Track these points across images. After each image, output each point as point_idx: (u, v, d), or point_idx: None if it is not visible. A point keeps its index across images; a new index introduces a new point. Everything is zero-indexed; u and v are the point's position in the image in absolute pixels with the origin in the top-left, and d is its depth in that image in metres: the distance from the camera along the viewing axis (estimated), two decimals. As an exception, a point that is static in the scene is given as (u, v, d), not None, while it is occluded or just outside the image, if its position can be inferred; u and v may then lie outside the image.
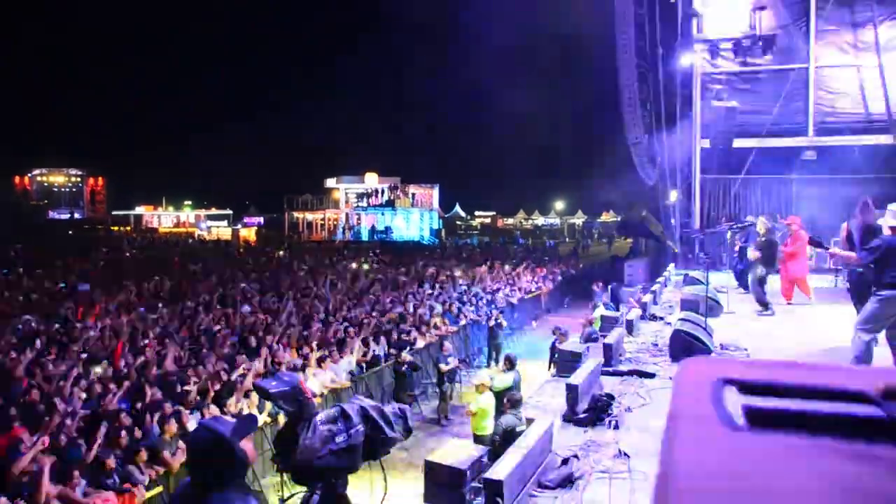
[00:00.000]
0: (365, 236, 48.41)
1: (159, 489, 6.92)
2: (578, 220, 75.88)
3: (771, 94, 16.41)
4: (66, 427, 6.75)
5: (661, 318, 10.13)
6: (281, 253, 31.01)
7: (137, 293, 15.87)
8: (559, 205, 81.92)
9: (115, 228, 65.52)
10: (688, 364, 0.97)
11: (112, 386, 8.16)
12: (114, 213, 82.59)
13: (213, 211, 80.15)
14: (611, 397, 5.99)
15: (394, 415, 3.37)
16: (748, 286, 10.58)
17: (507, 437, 6.52)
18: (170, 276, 19.48)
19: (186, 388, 8.52)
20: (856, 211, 6.72)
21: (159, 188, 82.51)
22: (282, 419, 6.43)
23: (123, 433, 6.97)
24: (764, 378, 0.89)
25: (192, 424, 7.43)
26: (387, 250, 34.32)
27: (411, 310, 15.50)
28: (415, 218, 50.78)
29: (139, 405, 7.80)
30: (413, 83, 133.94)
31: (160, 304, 14.30)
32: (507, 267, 24.96)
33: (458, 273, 22.56)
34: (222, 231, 63.26)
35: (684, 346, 7.02)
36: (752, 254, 10.05)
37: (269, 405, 8.35)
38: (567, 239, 58.99)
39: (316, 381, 9.85)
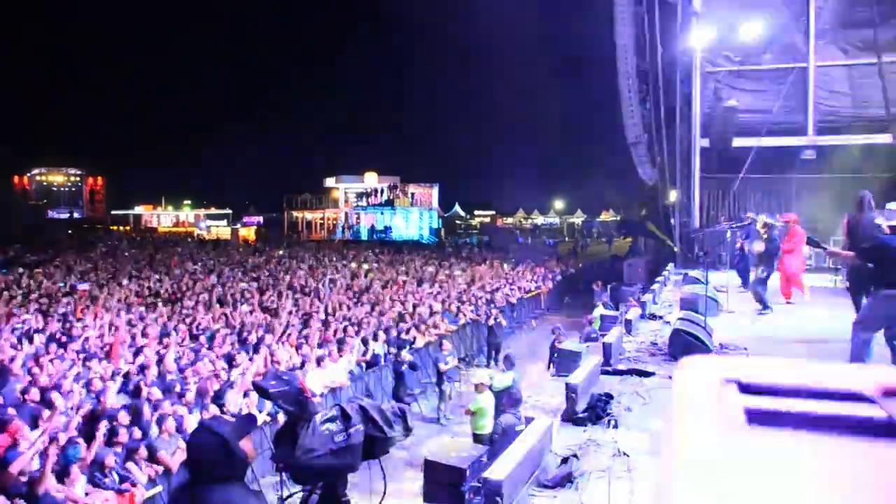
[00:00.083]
0: (364, 236, 48.44)
1: (159, 489, 6.92)
2: (578, 219, 75.89)
3: (771, 93, 16.42)
4: (65, 426, 6.75)
5: (661, 318, 10.13)
6: (280, 252, 31.01)
7: (137, 292, 15.87)
8: (559, 204, 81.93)
9: (115, 228, 65.52)
10: (687, 363, 0.97)
11: (111, 385, 8.16)
12: (113, 212, 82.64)
13: (213, 210, 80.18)
14: (610, 397, 5.99)
15: (393, 414, 3.37)
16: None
17: (506, 437, 6.52)
18: (169, 275, 19.50)
19: (186, 387, 8.52)
20: (856, 207, 6.73)
21: (159, 188, 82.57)
22: (281, 418, 6.42)
23: (123, 431, 6.97)
24: (763, 377, 0.89)
25: (191, 424, 7.43)
26: (386, 250, 34.33)
27: (411, 309, 15.51)
28: (414, 217, 50.82)
29: (138, 404, 7.79)
30: (413, 83, 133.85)
31: (160, 303, 14.31)
32: (506, 266, 24.97)
33: (457, 272, 22.57)
34: (222, 230, 63.29)
35: (684, 345, 7.02)
36: (758, 245, 10.03)
37: (268, 404, 8.35)
38: (566, 238, 59.01)
39: (315, 381, 9.84)
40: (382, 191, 51.54)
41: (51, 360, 8.87)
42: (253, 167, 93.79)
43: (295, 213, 55.88)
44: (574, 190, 77.10)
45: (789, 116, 16.48)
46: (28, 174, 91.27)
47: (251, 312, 13.71)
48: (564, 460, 4.70)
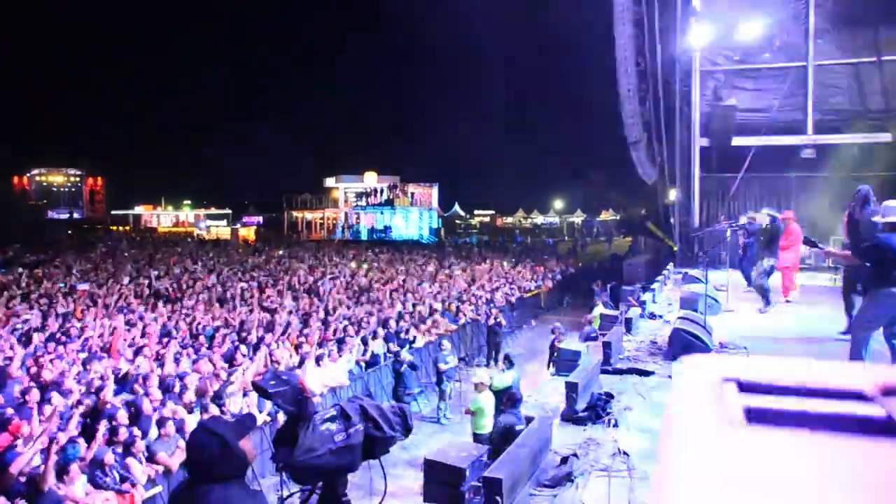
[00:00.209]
0: (364, 235, 48.45)
1: (159, 489, 6.92)
2: (577, 218, 75.91)
3: (770, 92, 16.42)
4: (64, 425, 6.75)
5: (661, 317, 10.14)
6: (280, 252, 31.00)
7: (136, 292, 15.86)
8: (558, 203, 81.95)
9: (115, 228, 65.51)
10: (687, 362, 0.97)
11: (111, 384, 8.15)
12: (113, 212, 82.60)
13: (213, 210, 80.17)
14: (610, 396, 5.99)
15: (393, 414, 3.37)
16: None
17: (506, 436, 6.53)
18: (168, 274, 19.50)
19: (185, 387, 8.52)
20: (853, 202, 6.71)
21: (158, 188, 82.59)
22: (281, 418, 6.43)
23: (122, 430, 6.97)
24: (763, 376, 0.89)
25: (191, 424, 7.42)
26: (386, 249, 34.34)
27: (410, 308, 15.51)
28: (414, 217, 50.82)
29: (137, 404, 7.78)
30: (413, 83, 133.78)
31: (160, 303, 14.31)
32: (506, 265, 24.97)
33: (457, 272, 22.57)
34: (221, 230, 63.29)
35: (683, 344, 7.02)
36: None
37: (268, 404, 8.35)
38: (566, 237, 59.03)
39: (315, 380, 9.84)
40: (382, 190, 51.55)
41: (51, 360, 8.88)
42: (253, 167, 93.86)
43: (295, 213, 55.87)
44: (574, 189, 77.15)
45: (789, 115, 16.48)
46: (28, 174, 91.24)
47: (251, 312, 13.71)
48: (564, 460, 4.70)
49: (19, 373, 8.28)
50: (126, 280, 17.54)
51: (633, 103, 18.24)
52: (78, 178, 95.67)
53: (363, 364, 11.58)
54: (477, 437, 8.21)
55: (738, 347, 7.54)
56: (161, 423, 7.44)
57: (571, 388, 5.65)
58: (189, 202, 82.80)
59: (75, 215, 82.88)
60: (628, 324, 9.13)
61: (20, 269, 19.32)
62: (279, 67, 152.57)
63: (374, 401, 3.50)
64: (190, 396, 8.31)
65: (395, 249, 34.78)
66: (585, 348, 8.39)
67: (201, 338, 11.30)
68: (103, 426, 6.79)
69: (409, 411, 3.59)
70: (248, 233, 57.51)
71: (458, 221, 72.78)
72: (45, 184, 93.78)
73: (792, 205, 16.00)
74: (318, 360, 10.40)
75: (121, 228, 66.35)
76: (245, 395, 8.70)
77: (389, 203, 50.24)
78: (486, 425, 8.31)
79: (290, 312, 13.76)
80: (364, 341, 12.06)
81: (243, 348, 10.68)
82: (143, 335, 11.07)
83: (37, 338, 10.25)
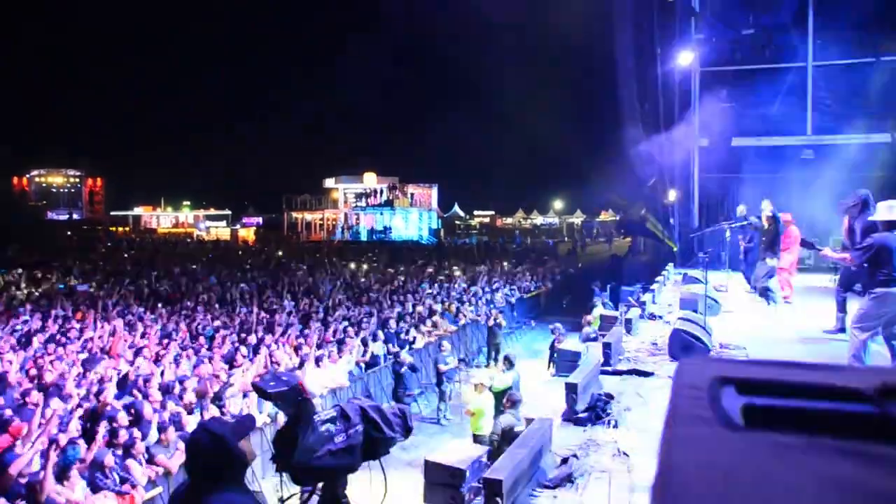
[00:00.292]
0: (364, 236, 48.41)
1: (159, 490, 6.91)
2: (577, 219, 75.92)
3: (769, 92, 16.41)
4: (65, 427, 6.74)
5: (660, 318, 10.13)
6: (280, 252, 31.00)
7: (136, 293, 15.86)
8: (558, 204, 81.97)
9: (114, 229, 65.49)
10: (686, 363, 0.97)
11: (111, 386, 8.15)
12: (112, 213, 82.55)
13: (212, 211, 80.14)
14: (610, 396, 5.99)
15: (393, 415, 3.37)
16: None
17: (506, 437, 6.53)
18: (169, 275, 19.50)
19: (185, 388, 8.52)
20: (851, 205, 6.71)
21: (158, 189, 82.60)
22: (281, 419, 6.42)
23: (122, 432, 6.96)
24: (762, 377, 0.89)
25: (191, 425, 7.42)
26: (385, 250, 34.33)
27: (410, 309, 15.50)
28: (413, 218, 50.78)
29: (137, 405, 7.78)
30: (413, 82, 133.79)
31: (159, 304, 14.31)
32: (505, 265, 24.98)
33: (457, 272, 22.56)
34: (221, 231, 63.28)
35: (683, 345, 7.01)
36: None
37: (268, 405, 8.35)
38: (566, 238, 59.03)
39: (315, 381, 9.84)
40: (382, 191, 51.52)
41: (51, 362, 8.88)
42: (252, 167, 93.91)
43: (294, 214, 55.80)
44: (573, 190, 77.16)
45: (788, 115, 16.47)
46: (27, 175, 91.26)
47: (250, 313, 13.71)
48: (564, 460, 4.70)
49: (19, 374, 8.28)
50: (125, 281, 17.55)
51: (633, 104, 18.25)
52: (77, 179, 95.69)
53: (363, 365, 11.57)
54: (477, 438, 8.21)
55: (739, 348, 7.55)
56: (162, 428, 7.43)
57: (571, 389, 5.65)
58: (189, 203, 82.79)
59: (75, 216, 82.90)
60: (628, 324, 9.11)
61: (20, 270, 19.32)
62: (279, 67, 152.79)
63: (374, 402, 3.50)
64: (190, 398, 8.31)
65: (395, 250, 34.77)
66: (585, 349, 8.38)
67: (201, 339, 11.31)
68: (103, 428, 6.79)
69: (409, 412, 3.59)
70: (247, 234, 57.51)
71: (457, 222, 72.75)
72: (44, 185, 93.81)
73: (792, 206, 16.01)
74: (317, 361, 10.40)
75: (120, 229, 66.30)
76: (245, 396, 8.70)
77: (389, 204, 50.20)
78: (486, 426, 8.31)
79: (290, 313, 13.76)
80: (364, 342, 12.05)
81: (243, 349, 10.68)
82: (143, 336, 11.07)
83: (36, 340, 10.24)
